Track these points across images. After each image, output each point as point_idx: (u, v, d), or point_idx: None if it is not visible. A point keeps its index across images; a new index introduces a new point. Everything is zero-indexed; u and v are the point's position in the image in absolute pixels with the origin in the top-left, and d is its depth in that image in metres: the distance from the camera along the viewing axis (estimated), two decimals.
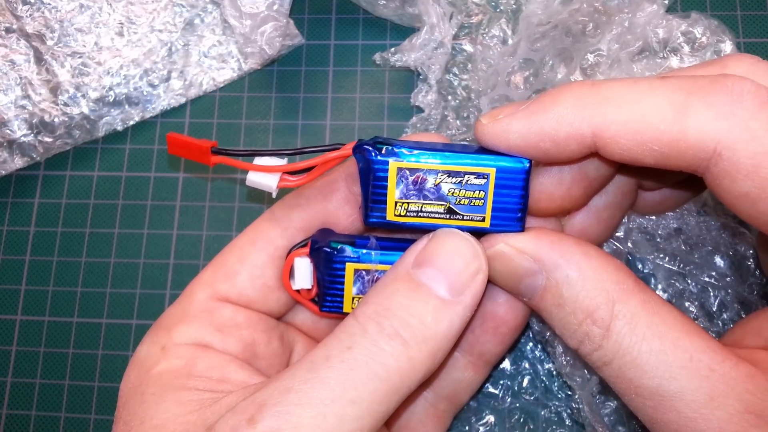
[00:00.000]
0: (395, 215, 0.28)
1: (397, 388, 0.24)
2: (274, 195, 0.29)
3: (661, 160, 0.24)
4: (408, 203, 0.28)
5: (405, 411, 0.32)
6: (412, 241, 0.31)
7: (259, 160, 0.29)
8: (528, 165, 0.27)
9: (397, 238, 0.31)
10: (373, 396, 0.23)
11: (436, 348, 0.25)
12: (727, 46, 0.40)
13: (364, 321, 0.25)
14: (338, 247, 0.30)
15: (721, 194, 0.24)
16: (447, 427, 0.34)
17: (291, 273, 0.30)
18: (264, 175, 0.29)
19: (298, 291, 0.31)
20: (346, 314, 0.31)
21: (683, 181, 0.33)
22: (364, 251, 0.30)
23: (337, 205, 0.31)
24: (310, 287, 0.30)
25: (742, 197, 0.23)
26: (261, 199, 0.43)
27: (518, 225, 0.28)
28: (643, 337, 0.24)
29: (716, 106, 0.23)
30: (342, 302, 0.31)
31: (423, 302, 0.25)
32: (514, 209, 0.28)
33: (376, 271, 0.30)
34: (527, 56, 0.40)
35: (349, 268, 0.30)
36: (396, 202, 0.28)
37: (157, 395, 0.26)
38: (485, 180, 0.27)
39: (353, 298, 0.30)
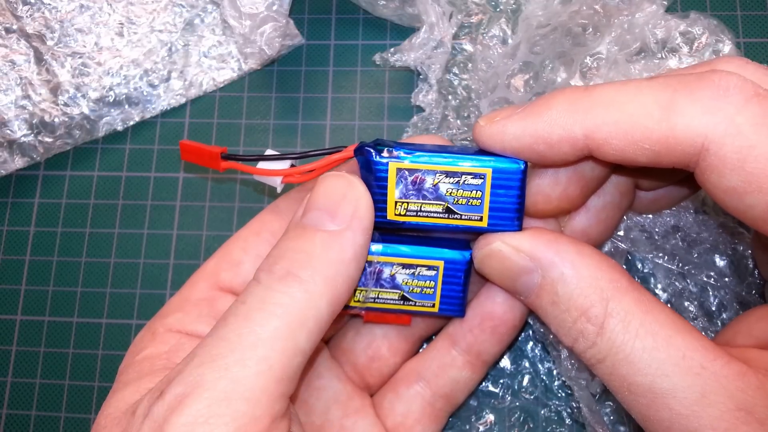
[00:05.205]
0: (395, 214, 0.28)
1: (301, 321, 0.24)
2: (279, 190, 0.31)
3: (654, 158, 0.24)
4: (407, 203, 0.28)
5: (401, 408, 0.33)
6: (415, 237, 0.31)
7: (264, 165, 0.30)
8: (523, 166, 0.27)
9: (400, 235, 0.32)
10: (276, 334, 0.23)
11: (332, 274, 0.25)
12: (727, 46, 0.39)
13: (258, 275, 0.25)
14: None
15: (709, 189, 0.24)
16: (443, 425, 0.34)
17: None
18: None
19: None
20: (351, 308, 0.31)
21: (680, 180, 0.33)
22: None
23: None
24: None
25: (729, 191, 0.23)
26: (261, 199, 0.43)
27: (515, 224, 0.28)
28: (636, 334, 0.24)
29: (702, 101, 0.23)
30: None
31: (310, 240, 0.26)
32: (511, 209, 0.28)
33: (378, 263, 0.30)
34: (527, 59, 0.40)
35: None
36: (396, 202, 0.28)
37: (134, 380, 0.26)
38: (482, 180, 0.27)
39: (356, 290, 0.31)
